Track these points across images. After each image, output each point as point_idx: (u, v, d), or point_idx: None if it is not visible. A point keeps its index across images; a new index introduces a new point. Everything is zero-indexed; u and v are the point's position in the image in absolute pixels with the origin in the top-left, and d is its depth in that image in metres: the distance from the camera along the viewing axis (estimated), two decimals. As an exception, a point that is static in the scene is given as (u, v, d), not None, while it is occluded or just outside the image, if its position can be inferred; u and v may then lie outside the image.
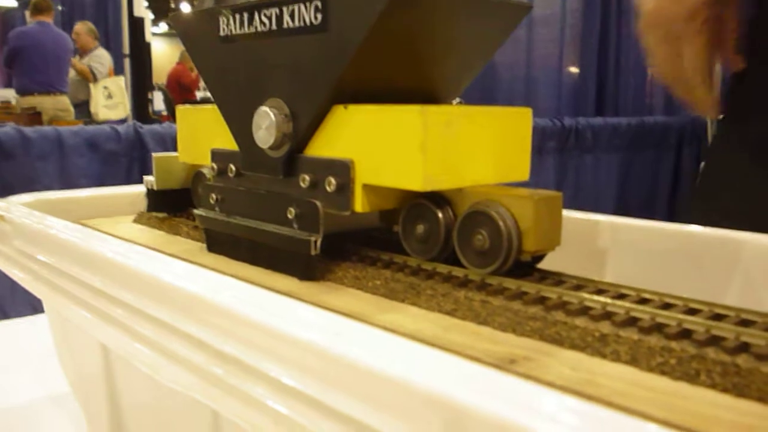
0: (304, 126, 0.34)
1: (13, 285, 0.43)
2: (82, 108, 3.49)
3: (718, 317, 0.25)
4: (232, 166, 0.38)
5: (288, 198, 0.35)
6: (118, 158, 1.71)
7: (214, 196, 0.39)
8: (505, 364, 0.23)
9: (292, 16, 0.33)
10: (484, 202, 0.31)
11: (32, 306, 0.79)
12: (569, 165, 2.74)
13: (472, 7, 0.33)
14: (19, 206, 0.46)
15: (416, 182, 0.30)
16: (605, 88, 3.62)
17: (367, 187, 0.32)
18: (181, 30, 0.41)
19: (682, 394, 0.21)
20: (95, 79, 3.50)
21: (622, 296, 0.28)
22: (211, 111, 0.40)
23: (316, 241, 0.33)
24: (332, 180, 0.33)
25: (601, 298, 0.27)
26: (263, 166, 0.36)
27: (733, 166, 0.59)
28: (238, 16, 0.36)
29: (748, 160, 0.57)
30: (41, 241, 0.39)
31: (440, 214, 0.33)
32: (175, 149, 0.46)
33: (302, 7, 0.33)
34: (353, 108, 0.32)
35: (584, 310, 0.27)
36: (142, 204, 0.50)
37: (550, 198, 0.31)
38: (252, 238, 0.37)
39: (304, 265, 0.34)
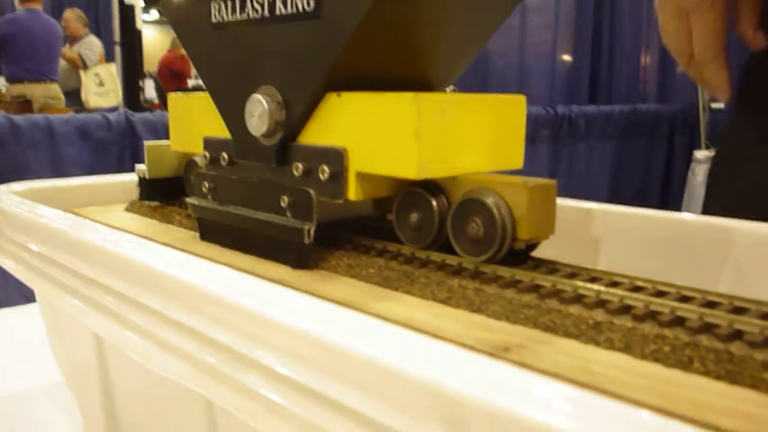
0: (297, 114, 0.34)
1: (5, 274, 0.43)
2: (73, 96, 3.46)
3: (711, 305, 0.25)
4: (225, 155, 0.38)
5: (281, 186, 0.35)
6: (109, 147, 1.71)
7: (206, 184, 0.39)
8: (499, 352, 0.23)
9: (284, 2, 0.33)
10: (478, 190, 0.31)
11: (24, 296, 0.78)
12: (562, 153, 2.74)
13: (466, -7, 0.33)
14: (9, 195, 0.46)
15: (410, 170, 0.30)
16: (599, 75, 3.62)
17: (360, 176, 0.32)
18: (172, 17, 0.40)
19: (675, 381, 0.21)
20: (85, 66, 3.47)
21: (615, 284, 0.28)
22: (203, 99, 0.40)
23: (309, 230, 0.33)
24: (326, 168, 0.32)
25: (595, 286, 0.27)
26: (256, 155, 0.36)
27: (749, 151, 0.56)
28: (230, 3, 0.36)
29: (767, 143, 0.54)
30: (32, 230, 0.39)
31: (434, 202, 0.32)
32: (166, 137, 0.45)
33: (295, -7, 0.32)
34: (347, 96, 0.32)
35: (578, 298, 0.27)
36: (134, 193, 0.50)
37: (545, 186, 0.31)
38: (245, 227, 0.37)
39: (297, 253, 0.34)
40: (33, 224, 0.39)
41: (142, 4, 3.83)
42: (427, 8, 0.32)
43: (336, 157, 0.32)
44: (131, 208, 0.49)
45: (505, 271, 0.30)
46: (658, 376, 0.21)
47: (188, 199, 0.41)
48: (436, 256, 0.32)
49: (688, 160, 2.86)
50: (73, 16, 3.55)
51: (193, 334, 0.26)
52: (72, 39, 3.53)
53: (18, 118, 1.60)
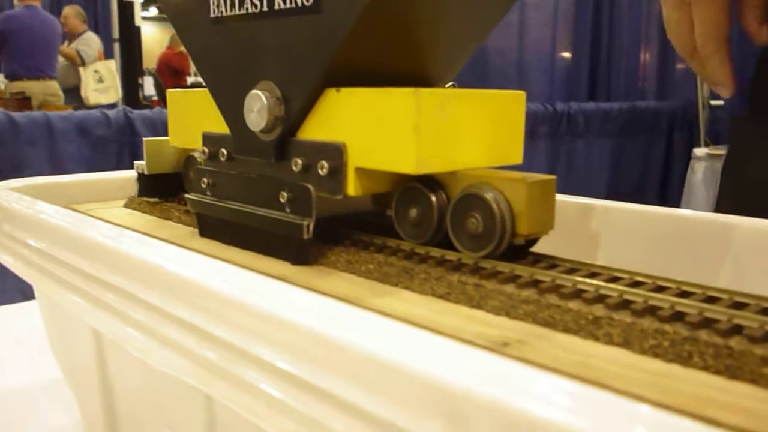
0: (296, 109, 0.34)
1: (3, 272, 0.43)
2: (73, 93, 3.46)
3: (710, 300, 0.25)
4: (224, 150, 0.38)
5: (280, 182, 0.35)
6: (108, 144, 1.70)
7: (205, 180, 0.39)
8: (499, 347, 0.23)
9: (283, -3, 0.33)
10: (477, 185, 0.31)
11: (22, 293, 0.78)
12: (561, 150, 2.74)
13: (466, -12, 0.33)
14: (8, 191, 0.45)
15: (409, 165, 0.30)
16: (598, 72, 3.62)
17: (359, 171, 0.32)
18: (170, 12, 0.40)
19: (675, 375, 0.21)
20: (83, 63, 3.47)
21: (615, 279, 0.28)
22: (202, 94, 0.40)
23: (308, 225, 0.33)
24: (325, 163, 0.32)
25: (595, 282, 0.27)
26: (255, 150, 0.36)
27: (759, 146, 0.56)
28: (228, -2, 0.36)
29: None
30: (31, 227, 0.39)
31: (433, 198, 0.32)
32: (165, 135, 0.45)
33: (294, -12, 0.32)
34: (346, 91, 0.32)
35: (577, 294, 0.27)
36: (133, 189, 0.50)
37: (544, 181, 0.30)
38: (244, 223, 0.37)
39: (296, 249, 0.34)
40: (32, 220, 0.39)
41: (141, 1, 3.82)
42: (427, 3, 0.32)
43: (335, 153, 0.32)
44: (130, 204, 0.49)
45: (504, 267, 0.30)
46: (658, 370, 0.21)
47: (187, 195, 0.41)
48: (436, 252, 0.32)
49: (688, 157, 2.86)
50: (72, 12, 3.54)
51: (193, 329, 0.26)
52: (71, 36, 3.53)
53: (17, 115, 1.60)
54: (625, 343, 0.23)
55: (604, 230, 0.45)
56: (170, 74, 4.54)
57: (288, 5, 0.33)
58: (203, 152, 0.40)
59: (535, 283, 0.28)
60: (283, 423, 0.22)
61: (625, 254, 0.43)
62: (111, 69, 3.55)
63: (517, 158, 0.34)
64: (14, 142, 1.58)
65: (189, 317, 0.26)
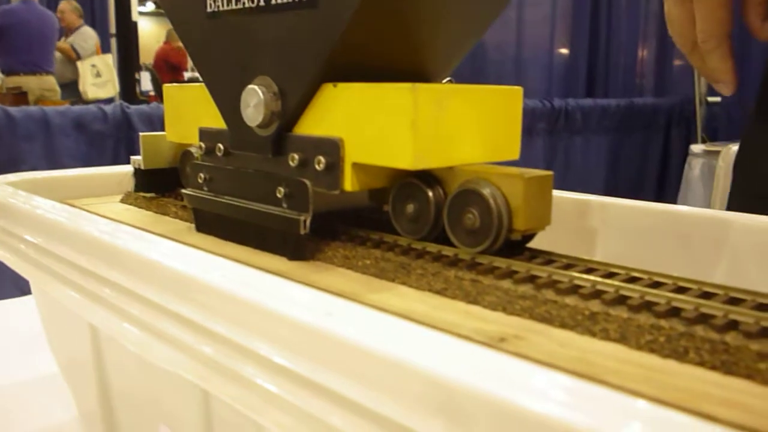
0: (293, 104, 0.34)
1: (0, 266, 0.43)
2: (71, 87, 3.45)
3: (707, 295, 0.25)
4: (221, 145, 0.38)
5: (277, 177, 0.35)
6: (104, 139, 1.70)
7: (202, 175, 0.39)
8: (496, 343, 0.23)
9: (280, -8, 0.33)
10: (474, 181, 0.31)
11: (19, 288, 0.78)
12: (559, 146, 2.75)
13: (463, -17, 0.33)
14: (5, 186, 0.45)
15: (406, 161, 0.30)
16: (596, 68, 3.62)
17: (356, 166, 0.32)
18: (167, 6, 0.40)
19: (671, 371, 0.21)
20: (78, 57, 3.46)
21: (611, 275, 0.28)
22: (199, 89, 0.40)
23: (305, 221, 0.33)
24: (321, 159, 0.32)
25: (591, 277, 0.27)
26: (252, 145, 0.36)
27: None
28: (225, -7, 0.35)
29: None
30: (28, 222, 0.39)
31: (430, 193, 0.32)
32: (162, 130, 0.45)
33: (291, -17, 0.32)
34: (343, 86, 0.32)
35: (574, 289, 0.27)
36: (130, 184, 0.50)
37: (541, 177, 0.30)
38: (241, 218, 0.37)
39: (293, 244, 0.34)
40: (28, 215, 0.38)
41: (138, -5, 3.81)
42: (424, -2, 0.32)
43: (332, 148, 0.32)
44: (126, 199, 0.49)
45: (501, 262, 0.30)
46: (654, 366, 0.21)
47: (184, 190, 0.41)
48: (433, 247, 0.32)
49: (685, 153, 2.86)
50: (68, 7, 3.53)
51: (190, 324, 0.26)
52: (67, 30, 3.52)
53: (13, 110, 1.60)
54: (622, 339, 0.23)
55: (600, 226, 0.45)
56: (167, 69, 4.53)
57: (285, 0, 0.33)
58: (200, 147, 0.40)
59: (531, 279, 0.28)
60: (280, 418, 0.22)
61: (622, 250, 0.43)
62: (108, 63, 3.54)
63: (515, 154, 0.34)
64: (11, 137, 1.57)
65: (186, 312, 0.26)
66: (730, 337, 0.22)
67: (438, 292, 0.29)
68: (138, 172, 0.49)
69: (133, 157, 0.49)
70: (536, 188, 0.30)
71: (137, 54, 4.05)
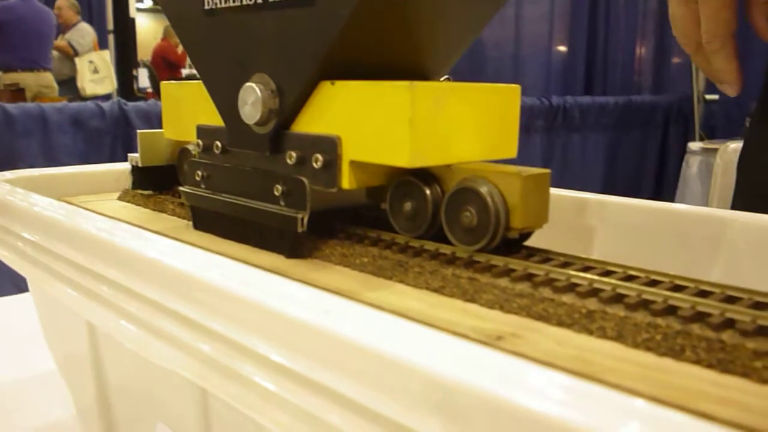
0: (290, 102, 0.34)
1: (-3, 263, 0.43)
2: (69, 84, 3.44)
3: (703, 294, 0.26)
4: (218, 143, 0.38)
5: (275, 175, 0.34)
6: (102, 136, 1.70)
7: (199, 173, 0.39)
8: (493, 341, 0.23)
9: (278, -11, 0.33)
10: (472, 179, 0.31)
11: (16, 286, 0.78)
12: (556, 144, 2.75)
13: (461, -19, 0.33)
14: (2, 183, 0.45)
15: (404, 159, 0.30)
16: (594, 66, 3.62)
17: (354, 164, 0.32)
18: (164, 3, 0.40)
19: (667, 369, 0.21)
20: (76, 53, 3.45)
21: (608, 273, 0.28)
22: (197, 86, 0.40)
23: (303, 218, 0.33)
24: (319, 157, 0.32)
25: (588, 275, 0.27)
26: (249, 143, 0.36)
27: None
28: (223, -10, 0.35)
29: None
30: (25, 219, 0.38)
31: (428, 191, 0.32)
32: (160, 127, 0.45)
33: (289, -20, 0.32)
34: (340, 84, 0.32)
35: (571, 287, 0.27)
36: (127, 181, 0.50)
37: (538, 175, 0.31)
38: (238, 216, 0.37)
39: (291, 242, 0.34)
40: (26, 213, 0.38)
41: (136, -8, 3.80)
42: (422, -4, 0.32)
43: (330, 146, 0.32)
44: (124, 196, 0.49)
45: (498, 260, 0.30)
46: (651, 364, 0.21)
47: (181, 188, 0.41)
48: (430, 245, 0.32)
49: (683, 151, 2.86)
50: (66, 3, 3.52)
51: (187, 322, 0.26)
52: (64, 27, 3.50)
53: (11, 107, 1.59)
54: (619, 337, 0.23)
55: (598, 224, 0.45)
56: (165, 66, 4.51)
57: (283, -3, 0.33)
58: (197, 145, 0.40)
59: (529, 277, 0.28)
60: (277, 416, 0.22)
61: (619, 248, 0.43)
62: (105, 59, 3.53)
63: (512, 152, 0.34)
64: (8, 134, 1.57)
65: (183, 310, 0.26)
66: (727, 336, 0.22)
67: (435, 290, 0.29)
68: (135, 170, 0.49)
69: (130, 155, 0.49)
70: (534, 186, 0.30)
71: (135, 51, 4.03)
